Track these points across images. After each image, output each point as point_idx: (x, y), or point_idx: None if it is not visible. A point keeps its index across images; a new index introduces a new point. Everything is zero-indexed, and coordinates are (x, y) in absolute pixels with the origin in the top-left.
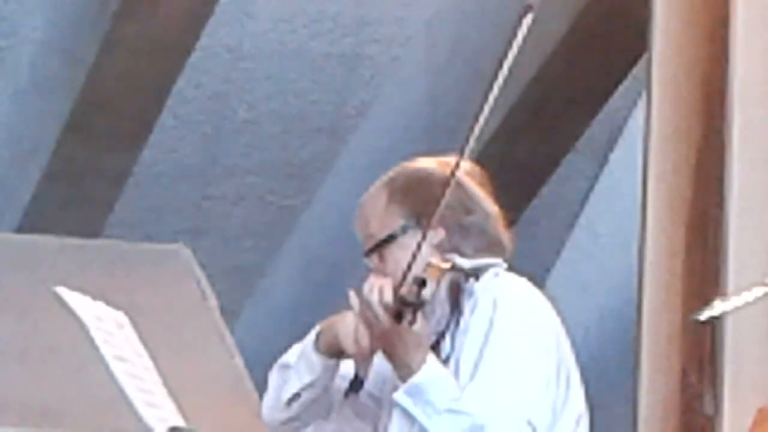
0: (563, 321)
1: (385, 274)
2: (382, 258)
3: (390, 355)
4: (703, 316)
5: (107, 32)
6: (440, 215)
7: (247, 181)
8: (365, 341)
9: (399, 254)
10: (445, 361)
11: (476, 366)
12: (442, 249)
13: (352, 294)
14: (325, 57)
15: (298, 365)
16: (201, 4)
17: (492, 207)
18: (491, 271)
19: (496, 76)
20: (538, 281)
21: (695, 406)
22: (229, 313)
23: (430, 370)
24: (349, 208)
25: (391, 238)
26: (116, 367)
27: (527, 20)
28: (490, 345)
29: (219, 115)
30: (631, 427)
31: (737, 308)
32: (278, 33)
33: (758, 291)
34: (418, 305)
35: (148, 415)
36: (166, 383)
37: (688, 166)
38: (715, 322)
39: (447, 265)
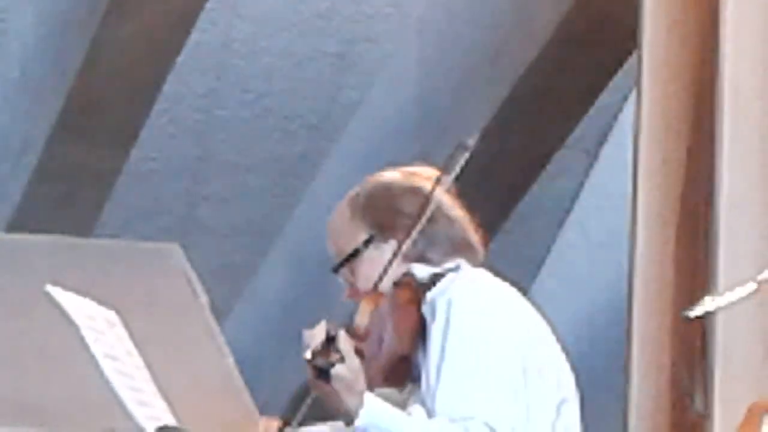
0: (545, 314)
1: (356, 289)
2: (353, 273)
3: (326, 402)
4: (694, 313)
5: (97, 30)
6: (402, 225)
7: (238, 179)
8: None
9: (367, 267)
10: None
11: (438, 369)
12: (408, 257)
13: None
14: (315, 54)
15: None
16: (191, 3)
17: (457, 212)
18: (450, 274)
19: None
20: (529, 277)
21: (686, 403)
22: (220, 312)
23: (369, 412)
24: None
25: (356, 253)
26: (107, 366)
27: (462, 159)
28: (448, 346)
29: (209, 113)
30: (622, 424)
31: (728, 305)
32: (268, 30)
33: (749, 288)
34: (326, 366)
35: (139, 413)
36: (156, 382)
37: (678, 163)
38: (705, 319)
39: (377, 294)
